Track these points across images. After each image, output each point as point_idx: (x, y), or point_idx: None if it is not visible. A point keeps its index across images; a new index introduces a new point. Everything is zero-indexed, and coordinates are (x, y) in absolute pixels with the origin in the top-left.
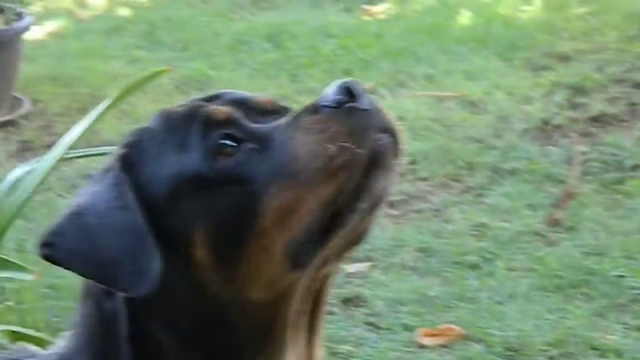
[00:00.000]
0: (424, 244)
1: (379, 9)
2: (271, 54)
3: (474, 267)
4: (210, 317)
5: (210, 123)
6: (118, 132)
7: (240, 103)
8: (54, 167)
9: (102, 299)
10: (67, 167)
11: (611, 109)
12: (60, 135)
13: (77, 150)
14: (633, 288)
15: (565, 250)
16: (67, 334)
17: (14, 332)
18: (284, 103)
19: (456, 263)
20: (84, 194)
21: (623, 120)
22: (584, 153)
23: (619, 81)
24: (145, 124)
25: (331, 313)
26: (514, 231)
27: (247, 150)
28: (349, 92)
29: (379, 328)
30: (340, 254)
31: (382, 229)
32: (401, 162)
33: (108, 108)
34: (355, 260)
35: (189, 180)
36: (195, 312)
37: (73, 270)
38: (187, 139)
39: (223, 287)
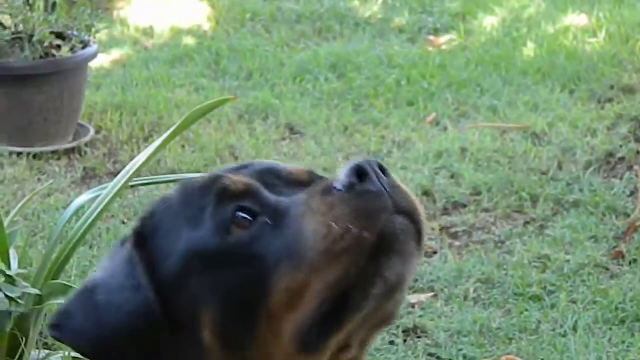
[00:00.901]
0: (486, 275)
1: (443, 40)
2: (335, 84)
3: (536, 299)
4: None
5: (227, 195)
6: (182, 160)
7: (270, 173)
8: (118, 195)
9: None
10: (130, 195)
11: None
12: (124, 163)
13: (141, 178)
14: None
15: (628, 282)
16: None
17: (74, 358)
18: (320, 174)
19: (519, 295)
20: (97, 269)
21: None
22: None
23: None
24: (171, 196)
25: (392, 343)
26: (577, 263)
27: (262, 225)
28: (361, 174)
29: (440, 359)
30: (365, 339)
31: (445, 260)
32: (423, 245)
33: (172, 136)
34: (417, 290)
35: (199, 256)
36: None
37: (80, 352)
38: (201, 213)
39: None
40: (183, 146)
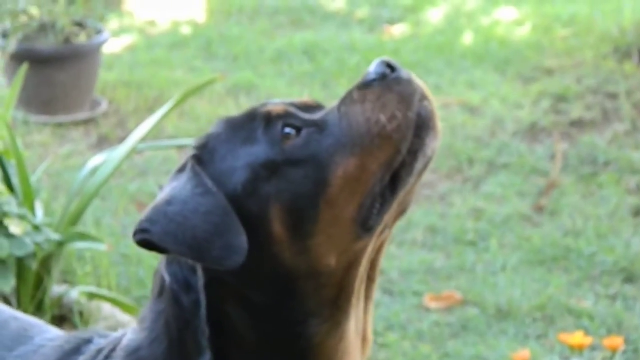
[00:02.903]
0: (431, 224)
1: (397, 29)
2: (306, 66)
3: (472, 244)
4: (285, 289)
5: (271, 118)
6: (179, 128)
7: (289, 103)
8: (127, 157)
9: (180, 294)
10: (137, 157)
11: (588, 115)
12: (132, 131)
13: (146, 144)
14: (604, 263)
15: (548, 231)
16: (135, 326)
17: (91, 293)
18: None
19: (457, 240)
20: (166, 190)
21: (597, 124)
22: (565, 151)
23: (595, 91)
24: (208, 130)
25: None
26: (505, 215)
27: (308, 133)
28: (390, 66)
29: (393, 293)
30: (393, 222)
31: None
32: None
33: (171, 109)
34: None
35: (262, 165)
36: (271, 286)
37: (168, 251)
38: (252, 134)
39: (298, 259)
40: (180, 117)
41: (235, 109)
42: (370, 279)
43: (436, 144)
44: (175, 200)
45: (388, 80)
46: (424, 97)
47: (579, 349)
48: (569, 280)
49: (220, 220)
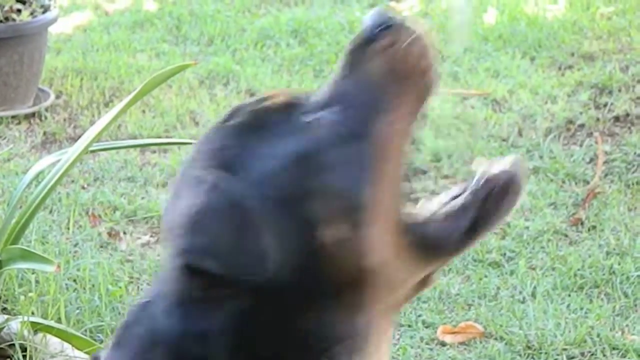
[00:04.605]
0: None
1: (404, 6)
2: (296, 49)
3: (495, 265)
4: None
5: (284, 109)
6: (142, 125)
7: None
8: (78, 159)
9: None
10: (90, 160)
11: (636, 109)
12: (84, 128)
13: (101, 143)
14: None
15: (587, 249)
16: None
17: (36, 323)
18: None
19: (478, 261)
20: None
21: None
22: (607, 153)
23: None
24: (217, 122)
25: None
26: (536, 230)
27: (330, 112)
28: (385, 16)
29: (399, 325)
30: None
31: None
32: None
33: (132, 101)
34: None
35: (301, 161)
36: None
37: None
38: (269, 134)
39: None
40: (143, 111)
41: (209, 101)
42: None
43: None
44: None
45: (396, 25)
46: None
47: None
48: (613, 309)
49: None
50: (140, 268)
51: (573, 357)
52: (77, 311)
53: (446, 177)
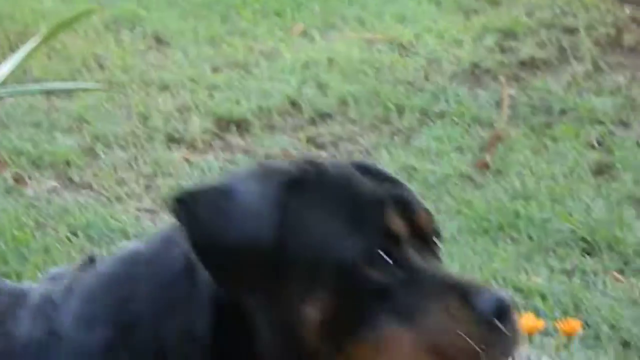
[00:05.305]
0: None
1: None
2: None
3: None
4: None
5: (384, 231)
6: (48, 69)
7: (408, 214)
8: None
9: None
10: None
11: (541, 54)
12: None
13: (7, 88)
14: (559, 231)
15: (492, 193)
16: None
17: None
18: (438, 228)
19: None
20: (239, 181)
21: (552, 65)
22: (512, 97)
23: (549, 25)
24: (329, 164)
25: None
26: (442, 174)
27: (394, 276)
28: (504, 312)
29: None
30: None
31: None
32: None
33: (38, 46)
34: None
35: (337, 260)
36: (270, 355)
37: (187, 234)
38: (358, 224)
39: (312, 351)
40: (49, 56)
41: (115, 46)
42: None
43: None
44: (233, 201)
45: (490, 324)
46: (506, 355)
47: (529, 334)
48: (518, 252)
49: (253, 252)
50: (47, 213)
51: None
52: None
53: (352, 121)
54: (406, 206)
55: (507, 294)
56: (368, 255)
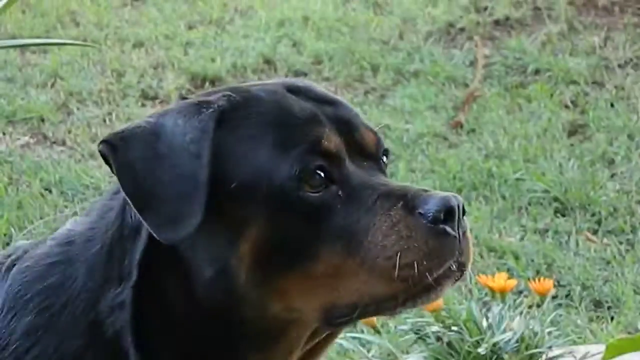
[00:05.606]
0: None
1: None
2: None
3: None
4: (219, 310)
5: (318, 149)
6: (22, 25)
7: (348, 132)
8: None
9: (130, 221)
10: None
11: (516, 13)
12: None
13: None
14: (532, 191)
15: (466, 152)
16: (78, 218)
17: None
18: (385, 144)
19: None
20: (168, 118)
21: (527, 25)
22: (487, 56)
23: None
24: (259, 90)
25: None
26: (416, 133)
27: (333, 194)
28: (449, 213)
29: None
30: None
31: None
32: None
33: (12, 1)
34: None
35: (268, 188)
36: (209, 297)
37: (119, 181)
38: (290, 146)
39: (250, 289)
40: (23, 11)
41: (90, 2)
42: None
43: (429, 301)
44: (167, 140)
45: (437, 226)
46: (458, 262)
47: (501, 293)
48: (491, 212)
49: (187, 193)
50: (20, 169)
51: None
52: None
53: (327, 79)
54: (345, 125)
55: (454, 195)
56: (301, 176)
